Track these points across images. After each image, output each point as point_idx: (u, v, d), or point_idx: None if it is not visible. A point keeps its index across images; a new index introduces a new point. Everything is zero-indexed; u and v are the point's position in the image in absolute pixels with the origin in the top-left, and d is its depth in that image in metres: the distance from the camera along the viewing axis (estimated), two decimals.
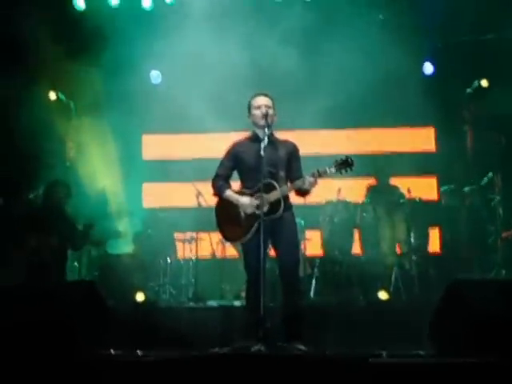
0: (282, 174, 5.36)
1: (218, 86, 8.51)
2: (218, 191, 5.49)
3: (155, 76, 9.60)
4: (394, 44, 8.43)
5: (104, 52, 8.58)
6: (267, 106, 5.42)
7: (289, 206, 5.39)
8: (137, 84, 9.13)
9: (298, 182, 5.28)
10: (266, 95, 5.52)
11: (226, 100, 8.16)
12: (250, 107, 5.53)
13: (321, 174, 5.22)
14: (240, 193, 5.42)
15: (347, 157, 5.29)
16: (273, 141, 5.44)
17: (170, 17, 8.83)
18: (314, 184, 5.25)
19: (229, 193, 5.43)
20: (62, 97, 8.93)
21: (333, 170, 5.24)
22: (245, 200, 5.32)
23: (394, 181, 8.70)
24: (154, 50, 8.90)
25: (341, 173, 5.27)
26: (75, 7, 8.93)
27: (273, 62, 8.95)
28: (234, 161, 5.53)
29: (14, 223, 7.43)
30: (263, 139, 5.27)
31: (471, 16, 8.53)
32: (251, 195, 5.32)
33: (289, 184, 5.37)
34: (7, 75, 8.52)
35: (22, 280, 6.99)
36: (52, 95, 8.97)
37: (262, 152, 5.19)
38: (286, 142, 5.57)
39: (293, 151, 5.52)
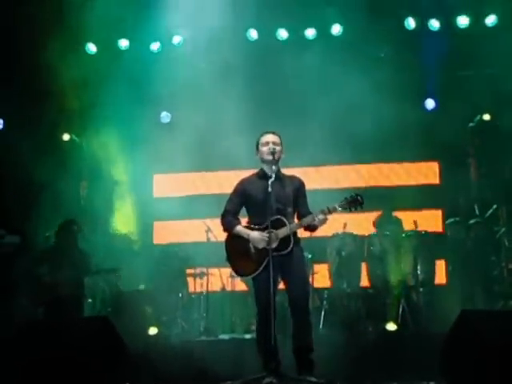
0: (289, 210, 5.42)
1: (224, 125, 8.70)
2: (228, 226, 5.53)
3: (164, 116, 9.84)
4: (396, 80, 8.67)
5: (115, 93, 8.79)
6: (275, 143, 5.50)
7: (297, 241, 5.46)
8: (147, 124, 9.38)
9: (308, 219, 5.34)
10: (273, 133, 5.61)
11: (234, 139, 8.30)
12: (257, 144, 5.61)
13: (330, 211, 5.29)
14: (249, 228, 5.45)
15: (357, 194, 5.35)
16: (280, 177, 5.51)
17: (177, 58, 9.09)
18: (324, 221, 5.33)
19: (239, 228, 5.47)
20: (75, 138, 9.16)
21: (342, 207, 5.31)
22: (256, 235, 5.35)
23: (401, 214, 8.85)
24: (163, 91, 9.14)
25: (350, 210, 5.34)
26: (87, 52, 9.27)
27: (279, 101, 9.19)
28: (243, 197, 5.58)
29: (29, 261, 7.61)
30: (271, 176, 5.37)
31: (471, 51, 8.73)
32: (261, 231, 5.36)
33: (297, 220, 5.45)
34: (22, 119, 8.83)
35: (38, 317, 7.15)
36: (65, 136, 9.24)
37: (269, 188, 5.28)
38: (292, 178, 5.63)
39: (299, 187, 5.59)
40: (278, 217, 5.32)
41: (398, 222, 8.67)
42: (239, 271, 5.56)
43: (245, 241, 5.40)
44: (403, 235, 8.26)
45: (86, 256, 7.81)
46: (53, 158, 8.77)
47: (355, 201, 5.31)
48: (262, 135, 5.61)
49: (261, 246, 5.32)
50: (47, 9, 8.49)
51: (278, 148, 5.49)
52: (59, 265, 7.51)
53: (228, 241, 5.58)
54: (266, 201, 5.32)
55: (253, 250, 5.37)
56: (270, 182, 5.31)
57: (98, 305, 8.04)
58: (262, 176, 5.54)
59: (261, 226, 5.39)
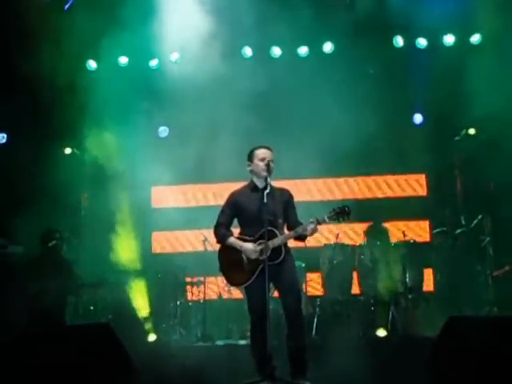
0: (280, 221, 5.61)
1: (220, 138, 8.91)
2: (221, 239, 5.71)
3: (162, 131, 10.09)
4: (385, 96, 8.96)
5: (115, 108, 9.05)
6: (270, 159, 5.68)
7: (288, 250, 5.66)
8: (146, 138, 9.56)
9: (299, 229, 5.53)
10: (268, 148, 5.78)
11: (230, 152, 8.44)
12: (252, 157, 5.73)
13: (320, 222, 5.50)
14: (241, 239, 5.62)
15: (344, 206, 5.54)
16: (271, 189, 5.61)
17: (175, 74, 9.34)
18: (314, 231, 5.52)
19: (232, 240, 5.64)
20: (77, 151, 9.39)
21: (331, 218, 5.50)
22: (249, 246, 5.55)
23: (390, 225, 9.11)
24: (161, 105, 9.40)
25: (338, 221, 5.54)
26: (88, 68, 9.56)
27: (273, 115, 9.45)
28: (235, 209, 5.74)
29: (18, 271, 7.81)
30: (265, 188, 5.53)
31: (457, 68, 9.02)
32: (253, 242, 5.57)
33: (287, 231, 5.64)
34: (25, 132, 9.06)
35: (22, 326, 7.19)
36: (67, 150, 9.47)
37: (265, 200, 5.46)
38: (282, 190, 5.79)
39: (289, 199, 5.77)
40: (270, 228, 5.48)
41: (385, 231, 8.89)
42: (232, 281, 5.74)
43: (237, 252, 5.58)
44: (392, 245, 8.51)
45: (70, 265, 7.95)
46: (54, 171, 8.90)
47: (343, 212, 5.50)
48: (257, 149, 5.74)
49: (253, 256, 5.51)
50: (49, 24, 8.68)
51: (272, 164, 5.68)
52: (42, 274, 7.65)
53: (221, 251, 5.75)
54: (259, 212, 5.50)
55: (245, 260, 5.55)
56: (265, 194, 5.48)
57: (100, 312, 8.22)
58: (253, 188, 5.72)
59: (253, 237, 5.58)
